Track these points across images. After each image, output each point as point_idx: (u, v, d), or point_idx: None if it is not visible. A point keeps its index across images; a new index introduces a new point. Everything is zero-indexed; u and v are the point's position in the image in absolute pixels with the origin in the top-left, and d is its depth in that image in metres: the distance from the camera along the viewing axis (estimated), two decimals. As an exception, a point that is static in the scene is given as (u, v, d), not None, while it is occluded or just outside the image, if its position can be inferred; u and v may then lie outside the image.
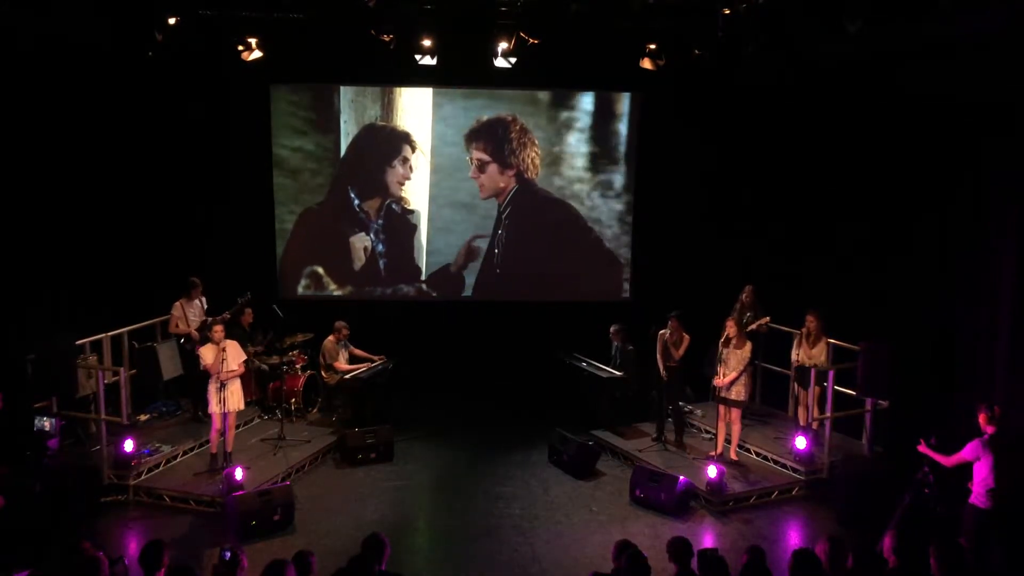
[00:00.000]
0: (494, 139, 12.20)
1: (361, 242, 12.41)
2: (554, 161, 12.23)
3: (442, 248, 12.42)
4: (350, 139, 12.13)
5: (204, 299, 10.13)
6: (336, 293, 12.36)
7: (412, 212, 12.40)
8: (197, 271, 10.23)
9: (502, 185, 12.33)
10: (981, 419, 6.74)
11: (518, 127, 12.21)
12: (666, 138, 11.78)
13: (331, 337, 10.43)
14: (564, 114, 12.14)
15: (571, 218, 12.40)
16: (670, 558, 5.27)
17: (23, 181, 9.30)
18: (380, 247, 12.45)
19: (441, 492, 9.01)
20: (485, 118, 12.17)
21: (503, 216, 12.42)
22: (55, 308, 9.24)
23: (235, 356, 8.75)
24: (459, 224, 12.37)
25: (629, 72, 9.94)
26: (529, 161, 12.28)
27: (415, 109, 12.17)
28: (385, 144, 12.21)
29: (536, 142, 12.27)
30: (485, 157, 12.24)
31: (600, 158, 12.25)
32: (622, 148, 12.21)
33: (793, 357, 9.65)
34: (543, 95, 12.09)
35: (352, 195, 12.30)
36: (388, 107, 12.18)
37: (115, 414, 8.82)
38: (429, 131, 12.11)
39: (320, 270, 12.44)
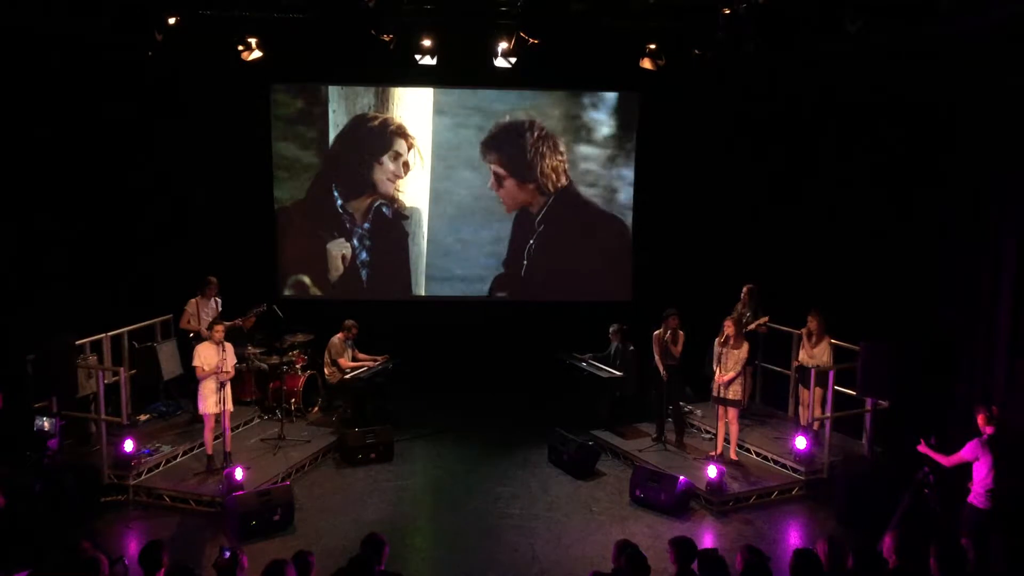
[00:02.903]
0: (510, 149, 11.74)
1: (339, 249, 11.79)
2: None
3: (446, 256, 11.96)
4: (338, 131, 11.60)
5: (219, 300, 10.13)
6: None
7: (407, 217, 11.91)
8: (197, 271, 10.22)
9: (524, 199, 11.93)
10: (980, 420, 6.76)
11: (536, 135, 11.70)
12: (666, 138, 11.77)
13: (339, 335, 10.41)
14: (564, 114, 12.03)
15: (593, 225, 12.16)
16: (672, 557, 5.26)
17: (23, 181, 9.30)
18: (363, 255, 11.84)
19: (441, 492, 9.00)
20: (505, 121, 11.65)
21: (537, 227, 12.02)
22: (55, 308, 9.24)
23: (231, 358, 8.80)
24: (465, 230, 11.97)
25: (629, 72, 9.93)
26: (550, 170, 11.87)
27: (413, 101, 11.68)
28: (374, 137, 11.71)
29: (559, 148, 11.80)
30: (501, 171, 11.80)
31: (600, 158, 12.16)
32: (622, 148, 12.14)
33: (802, 358, 9.62)
34: (544, 95, 11.92)
35: (335, 194, 11.75)
36: (382, 96, 11.66)
37: (115, 414, 8.83)
38: (429, 125, 11.75)
39: (306, 279, 11.93)
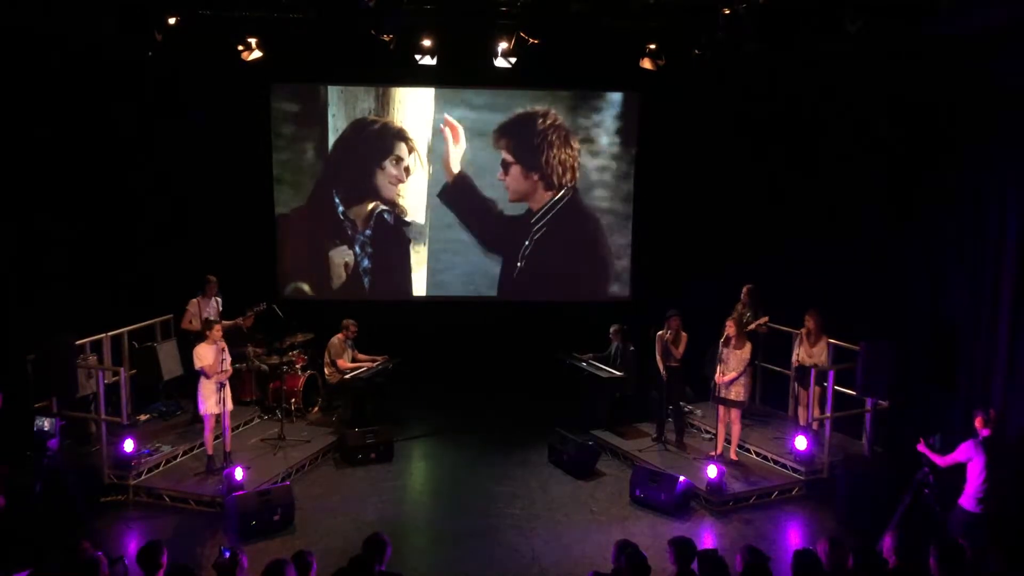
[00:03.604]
0: (521, 136, 11.69)
1: (342, 257, 11.67)
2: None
3: (447, 259, 11.87)
4: (338, 135, 11.53)
5: (219, 299, 10.12)
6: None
7: (408, 223, 11.85)
8: (197, 270, 10.22)
9: (527, 189, 11.82)
10: (977, 422, 6.77)
11: (548, 122, 11.61)
12: (666, 138, 11.77)
13: (339, 335, 10.41)
14: (564, 115, 12.01)
15: (594, 225, 12.11)
16: (672, 557, 5.26)
17: (23, 181, 9.30)
18: (366, 262, 11.72)
19: (441, 492, 9.01)
20: (519, 111, 11.62)
21: (535, 226, 11.93)
22: (55, 308, 9.24)
23: (228, 357, 8.81)
24: (467, 232, 11.87)
25: (630, 72, 9.94)
26: (558, 163, 11.74)
27: (413, 104, 11.62)
28: (375, 141, 11.63)
29: (571, 142, 11.71)
30: (509, 157, 11.75)
31: (600, 157, 12.16)
32: (622, 148, 12.13)
33: (794, 358, 9.66)
34: (544, 95, 11.89)
35: (336, 200, 11.65)
36: (383, 100, 11.59)
37: (115, 414, 8.82)
38: (429, 128, 11.74)
39: (306, 287, 11.83)
